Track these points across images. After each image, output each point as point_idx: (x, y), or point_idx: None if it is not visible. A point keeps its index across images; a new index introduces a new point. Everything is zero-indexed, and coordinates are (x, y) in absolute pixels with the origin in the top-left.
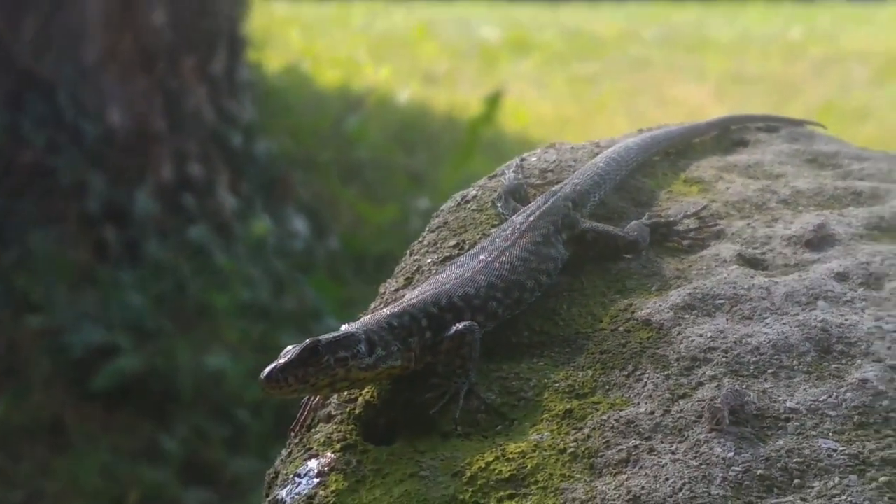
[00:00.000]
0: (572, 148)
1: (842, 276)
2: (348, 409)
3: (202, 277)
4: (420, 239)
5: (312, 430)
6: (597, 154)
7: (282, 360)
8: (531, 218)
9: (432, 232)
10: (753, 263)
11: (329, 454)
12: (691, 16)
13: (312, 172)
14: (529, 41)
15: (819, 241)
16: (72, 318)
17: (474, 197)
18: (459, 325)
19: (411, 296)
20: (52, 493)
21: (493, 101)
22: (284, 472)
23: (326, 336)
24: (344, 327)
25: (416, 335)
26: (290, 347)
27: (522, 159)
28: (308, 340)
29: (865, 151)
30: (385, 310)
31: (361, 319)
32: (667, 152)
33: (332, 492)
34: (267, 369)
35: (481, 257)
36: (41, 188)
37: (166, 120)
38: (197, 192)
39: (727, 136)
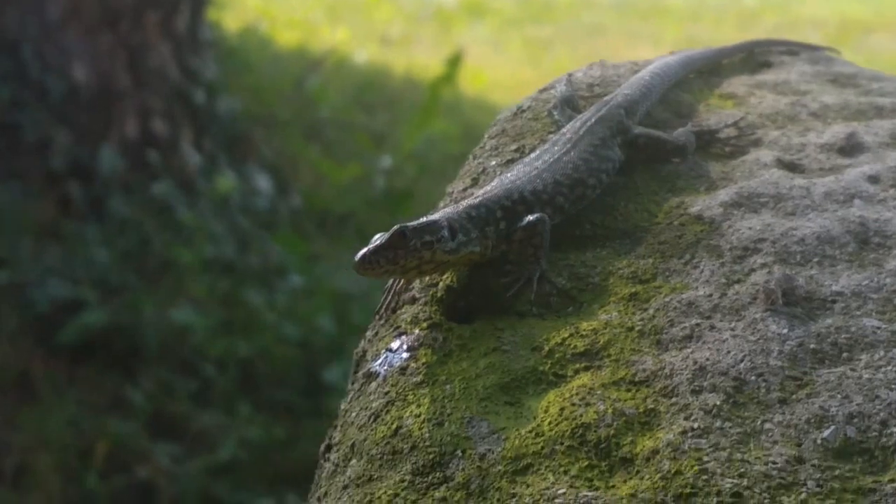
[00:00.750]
0: (614, 65)
1: (874, 179)
2: (430, 293)
3: (167, 233)
4: (481, 145)
5: (398, 312)
6: (637, 71)
7: (373, 245)
8: (588, 123)
9: (492, 139)
10: (791, 167)
11: (417, 331)
12: None
13: (274, 131)
14: (484, 5)
15: (850, 148)
16: (37, 273)
17: (529, 108)
18: (531, 217)
19: (484, 191)
20: (19, 445)
21: (454, 62)
22: (374, 349)
23: (412, 223)
24: (424, 218)
25: (491, 225)
26: (378, 235)
27: (570, 75)
28: (396, 226)
29: (881, 73)
30: (463, 202)
31: (441, 211)
32: (699, 71)
33: (423, 364)
34: (360, 253)
35: (545, 157)
36: (6, 144)
37: (130, 77)
38: (161, 148)
39: (752, 58)
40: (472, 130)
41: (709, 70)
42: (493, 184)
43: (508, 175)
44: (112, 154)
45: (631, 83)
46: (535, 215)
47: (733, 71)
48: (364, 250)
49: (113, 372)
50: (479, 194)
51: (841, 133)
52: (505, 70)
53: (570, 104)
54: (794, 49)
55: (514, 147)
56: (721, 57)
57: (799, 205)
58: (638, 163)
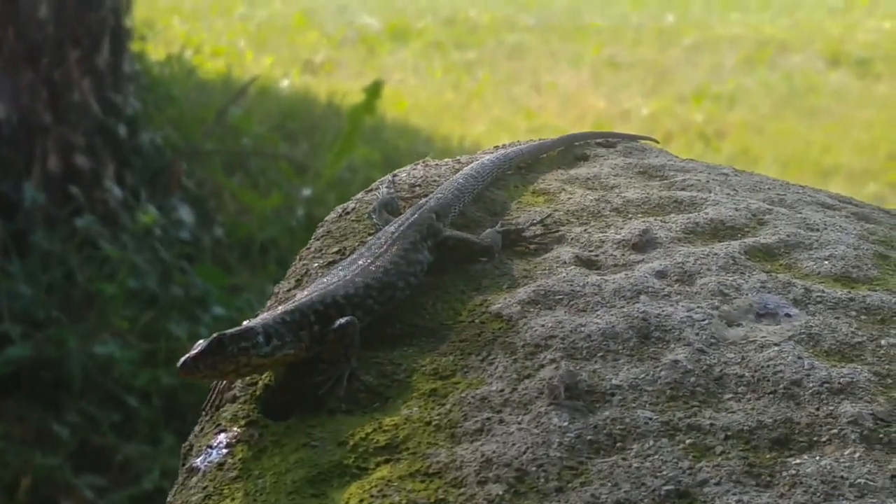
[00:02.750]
0: (437, 164)
1: (661, 274)
2: (251, 392)
3: (90, 267)
4: (308, 246)
5: (221, 410)
6: (458, 170)
7: (194, 351)
8: (401, 228)
9: (318, 240)
10: (588, 264)
11: (235, 429)
12: (567, 2)
13: (197, 162)
14: (408, 29)
15: (644, 244)
16: None
17: (353, 209)
18: (342, 320)
19: (301, 296)
20: None
21: (375, 89)
22: (198, 444)
23: (231, 331)
24: (245, 323)
25: (305, 328)
26: (200, 341)
27: (395, 175)
28: (215, 335)
29: (690, 163)
30: (280, 308)
31: (260, 316)
32: (518, 167)
33: (239, 459)
34: (182, 359)
35: (359, 262)
36: None
37: (52, 112)
38: (83, 183)
39: (571, 151)
40: (393, 156)
41: (528, 165)
42: (310, 288)
43: (325, 279)
44: (34, 189)
45: (445, 186)
46: (346, 319)
47: (551, 165)
48: (186, 357)
49: (38, 405)
50: (296, 300)
51: (636, 229)
52: (427, 94)
53: (389, 207)
54: (611, 141)
55: (335, 249)
56: (541, 152)
57: (590, 301)
58: (449, 263)
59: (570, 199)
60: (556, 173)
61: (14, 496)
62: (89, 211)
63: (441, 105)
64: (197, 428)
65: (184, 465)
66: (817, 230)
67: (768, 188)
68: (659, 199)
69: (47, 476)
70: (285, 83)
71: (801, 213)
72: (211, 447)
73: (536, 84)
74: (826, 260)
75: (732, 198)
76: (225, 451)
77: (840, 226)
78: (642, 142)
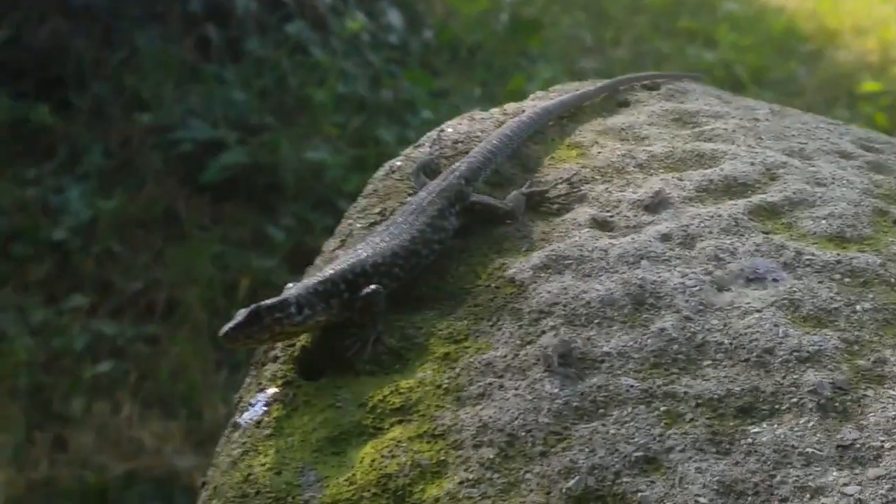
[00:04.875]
0: (482, 118)
1: (665, 237)
2: (289, 352)
3: (301, 73)
4: (355, 204)
5: (263, 368)
6: (502, 123)
7: (234, 322)
8: (431, 195)
9: (364, 198)
10: (603, 226)
11: (273, 388)
12: None
13: None
14: None
15: (656, 204)
16: (179, 114)
17: (399, 167)
18: (368, 289)
19: (335, 264)
20: (168, 281)
21: None
22: (243, 401)
23: (267, 302)
24: (284, 292)
25: (336, 296)
26: (241, 311)
27: (441, 130)
28: (253, 306)
29: (726, 107)
30: (314, 277)
31: (298, 285)
32: (560, 117)
33: (275, 418)
34: (223, 329)
35: (391, 229)
36: None
37: None
38: None
39: (614, 97)
40: None
41: (570, 114)
42: (344, 256)
43: (359, 245)
44: None
45: (478, 150)
46: (372, 288)
47: (592, 114)
48: (227, 327)
49: (254, 209)
50: (329, 269)
51: (651, 189)
52: None
53: (427, 169)
54: (656, 83)
55: (378, 209)
56: (584, 101)
57: (596, 266)
58: (476, 225)
59: (600, 153)
60: (593, 123)
61: (234, 295)
62: (299, 17)
63: None
64: (247, 380)
65: (232, 418)
66: (824, 185)
67: (794, 134)
68: (682, 152)
69: (264, 277)
70: None
71: (814, 165)
72: (252, 404)
73: None
74: (824, 219)
75: (752, 150)
76: (263, 409)
77: (848, 179)
78: (686, 81)
